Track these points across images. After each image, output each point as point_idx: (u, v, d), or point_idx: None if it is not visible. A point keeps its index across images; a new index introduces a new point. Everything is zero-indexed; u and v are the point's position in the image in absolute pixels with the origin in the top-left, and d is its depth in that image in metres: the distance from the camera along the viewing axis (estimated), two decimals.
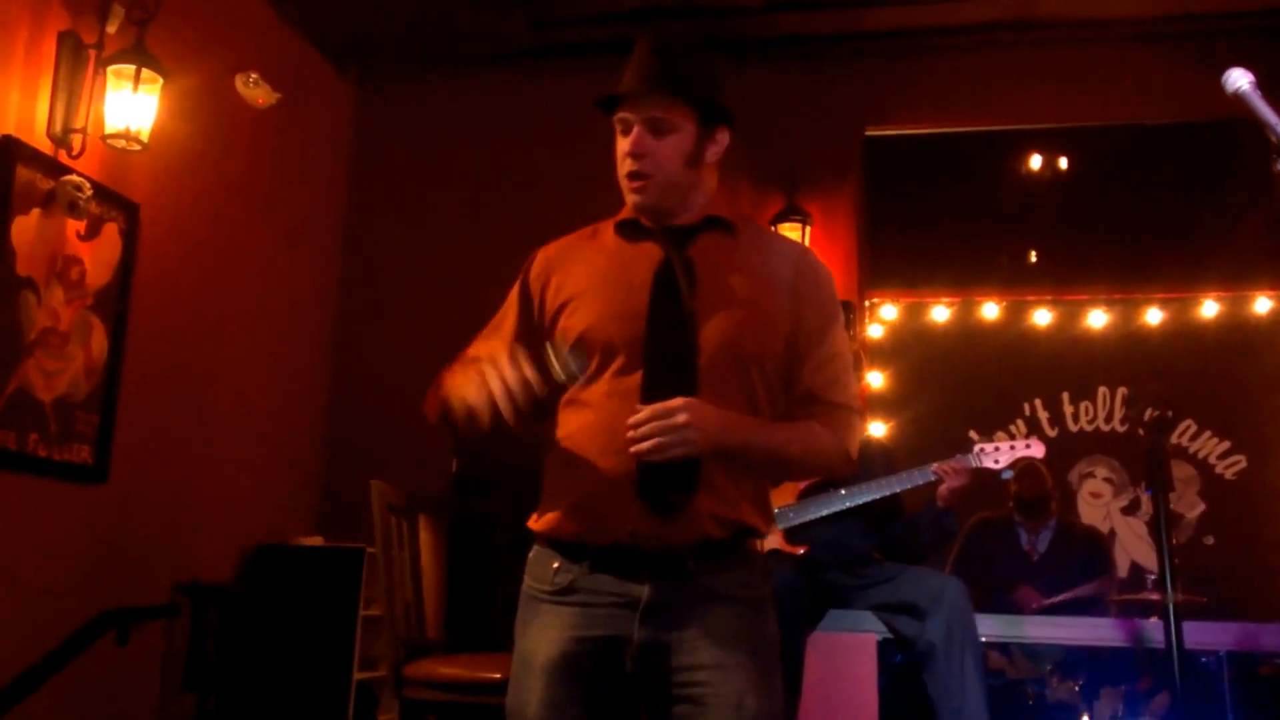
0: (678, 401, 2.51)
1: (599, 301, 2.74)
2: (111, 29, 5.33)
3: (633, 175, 2.74)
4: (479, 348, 2.84)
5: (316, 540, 6.57)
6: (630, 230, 2.84)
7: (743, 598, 2.65)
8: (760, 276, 2.77)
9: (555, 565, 2.67)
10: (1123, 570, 7.24)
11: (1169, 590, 4.58)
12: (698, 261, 2.74)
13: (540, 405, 2.69)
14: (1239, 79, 2.26)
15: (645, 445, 2.49)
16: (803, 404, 2.75)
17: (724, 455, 2.60)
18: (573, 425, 2.74)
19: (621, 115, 2.76)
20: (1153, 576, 6.14)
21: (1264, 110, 2.21)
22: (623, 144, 2.75)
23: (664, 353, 2.66)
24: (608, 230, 2.89)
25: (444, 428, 2.79)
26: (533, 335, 2.81)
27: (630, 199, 2.77)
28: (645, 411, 2.51)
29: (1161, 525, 4.68)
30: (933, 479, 5.20)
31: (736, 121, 2.82)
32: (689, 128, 2.74)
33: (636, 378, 2.64)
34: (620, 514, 2.60)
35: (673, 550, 2.59)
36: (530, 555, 2.77)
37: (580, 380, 2.67)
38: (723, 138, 2.80)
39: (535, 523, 2.75)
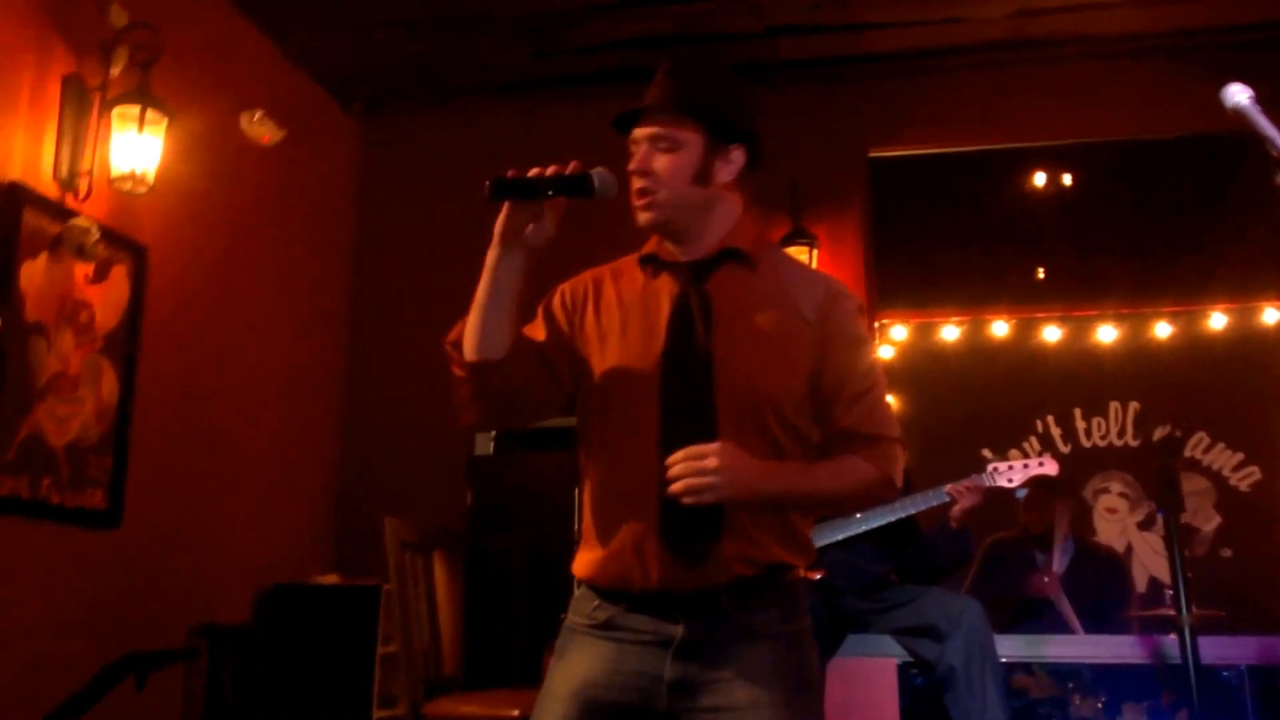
0: (712, 446, 2.48)
1: (617, 341, 2.74)
2: (115, 71, 5.33)
3: (638, 192, 2.73)
4: None
5: (333, 578, 6.55)
6: (650, 265, 2.82)
7: (780, 633, 2.63)
8: (781, 311, 2.72)
9: (595, 604, 2.68)
10: (1141, 585, 7.20)
11: (1184, 613, 4.57)
12: (715, 297, 2.72)
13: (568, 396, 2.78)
14: (1238, 94, 2.25)
15: (676, 488, 2.46)
16: (840, 440, 2.71)
17: (761, 503, 2.58)
18: (594, 467, 2.74)
19: (632, 137, 2.76)
20: (1171, 592, 6.13)
21: (1264, 125, 2.20)
22: (630, 164, 2.74)
23: (680, 395, 2.63)
24: (629, 266, 2.87)
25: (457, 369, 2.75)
26: (551, 344, 2.79)
27: (638, 217, 2.75)
28: (679, 454, 2.48)
29: (1174, 547, 4.67)
30: (947, 500, 5.19)
31: (760, 135, 2.81)
32: (696, 144, 2.72)
33: (654, 420, 2.62)
34: (646, 562, 2.59)
35: (704, 593, 2.57)
36: (576, 592, 2.76)
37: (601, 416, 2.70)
38: (737, 156, 2.77)
39: (575, 567, 2.75)
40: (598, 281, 2.87)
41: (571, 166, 2.60)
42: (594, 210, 2.65)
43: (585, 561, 2.71)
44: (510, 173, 2.59)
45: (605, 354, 2.74)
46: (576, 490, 2.87)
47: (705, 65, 2.83)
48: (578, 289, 2.87)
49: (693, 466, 2.46)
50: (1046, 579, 6.27)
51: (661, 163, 2.71)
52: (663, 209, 2.72)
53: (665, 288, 2.76)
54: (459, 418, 2.82)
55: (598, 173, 2.59)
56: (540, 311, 2.86)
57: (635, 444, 2.63)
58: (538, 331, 2.81)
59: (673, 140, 2.71)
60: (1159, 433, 5.17)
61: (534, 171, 2.59)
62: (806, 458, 2.70)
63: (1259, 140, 2.20)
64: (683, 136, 2.72)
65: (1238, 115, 2.25)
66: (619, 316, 2.77)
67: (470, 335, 2.68)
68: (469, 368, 2.69)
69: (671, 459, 2.49)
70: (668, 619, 2.59)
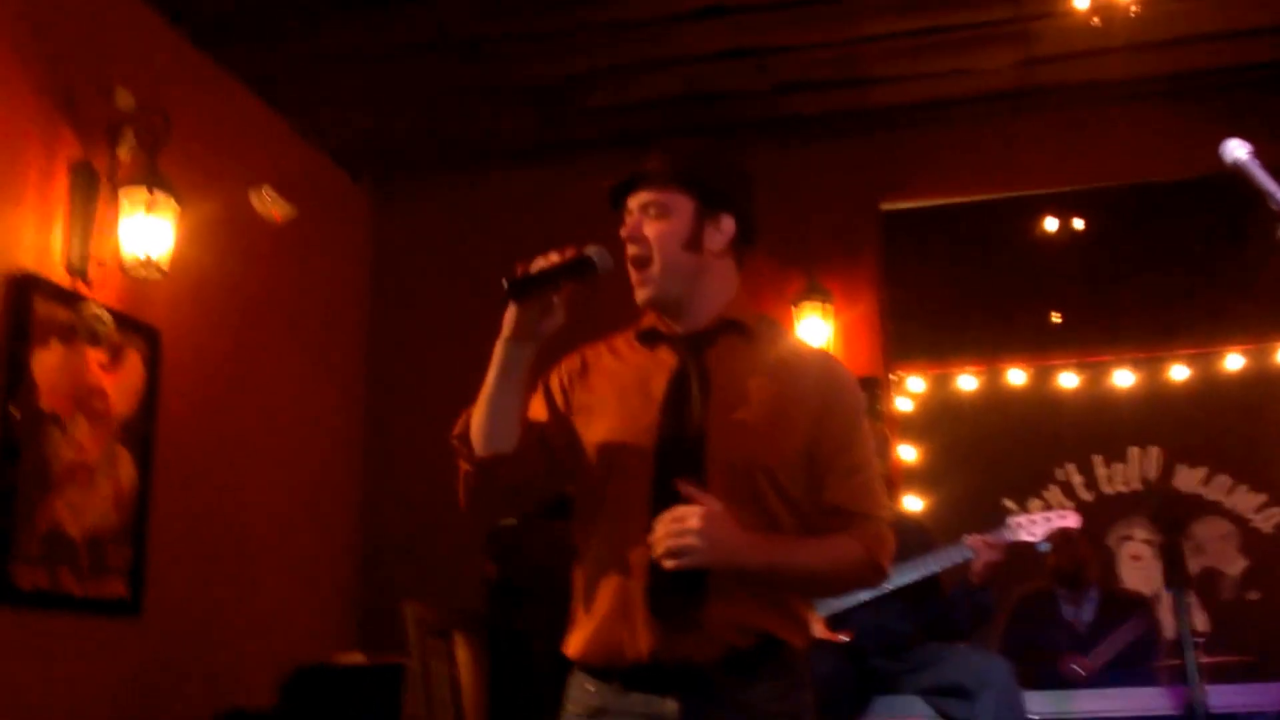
0: (694, 508, 2.48)
1: (614, 413, 2.74)
2: (123, 155, 5.32)
3: (632, 261, 2.75)
4: None
5: (357, 657, 6.50)
6: (648, 337, 2.83)
7: (778, 711, 2.60)
8: (778, 384, 2.73)
9: (590, 688, 2.65)
10: (1169, 631, 7.13)
11: (1197, 692, 4.57)
12: (713, 370, 2.72)
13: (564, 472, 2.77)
14: (1236, 149, 2.29)
15: (658, 550, 2.47)
16: (829, 516, 2.69)
17: (744, 575, 2.55)
18: (588, 542, 2.73)
19: (625, 206, 2.79)
20: (1199, 639, 6.08)
21: (1263, 179, 2.24)
22: (622, 230, 2.77)
23: (673, 467, 2.61)
24: (626, 340, 2.88)
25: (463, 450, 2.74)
26: (552, 425, 2.80)
27: (637, 293, 2.77)
28: (665, 515, 2.49)
29: (1184, 627, 4.67)
30: (970, 555, 5.16)
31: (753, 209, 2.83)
32: (685, 211, 2.74)
33: (646, 493, 2.61)
34: (636, 633, 2.57)
35: (697, 666, 2.55)
36: (570, 680, 2.74)
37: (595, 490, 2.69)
38: (728, 225, 2.78)
39: (567, 647, 2.73)
40: (595, 356, 2.89)
41: (569, 251, 2.61)
42: (599, 281, 2.66)
43: (576, 639, 2.70)
44: (519, 269, 2.60)
45: (600, 428, 2.74)
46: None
47: (695, 141, 2.91)
48: (574, 365, 2.88)
49: (673, 528, 2.47)
50: (1078, 666, 6.22)
51: (653, 229, 2.74)
52: (659, 283, 2.74)
53: (664, 360, 2.77)
54: (464, 509, 2.81)
55: (595, 251, 2.61)
56: (540, 388, 2.86)
57: (627, 516, 2.62)
58: (538, 411, 2.81)
59: (663, 206, 2.74)
60: (1164, 512, 5.18)
61: (538, 265, 2.60)
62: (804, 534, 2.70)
63: (1259, 195, 2.24)
64: (673, 203, 2.74)
65: (1237, 170, 2.29)
66: (615, 390, 2.78)
67: (480, 430, 2.68)
68: (480, 464, 2.69)
69: (658, 520, 2.49)
70: (662, 694, 2.56)
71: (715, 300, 2.80)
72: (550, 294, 2.62)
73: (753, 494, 2.63)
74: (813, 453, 2.69)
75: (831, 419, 2.73)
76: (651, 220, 2.74)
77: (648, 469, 2.64)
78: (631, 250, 2.74)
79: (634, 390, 2.75)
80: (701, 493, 2.52)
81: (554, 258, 2.60)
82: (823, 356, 2.98)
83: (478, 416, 2.69)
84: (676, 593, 2.54)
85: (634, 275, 2.76)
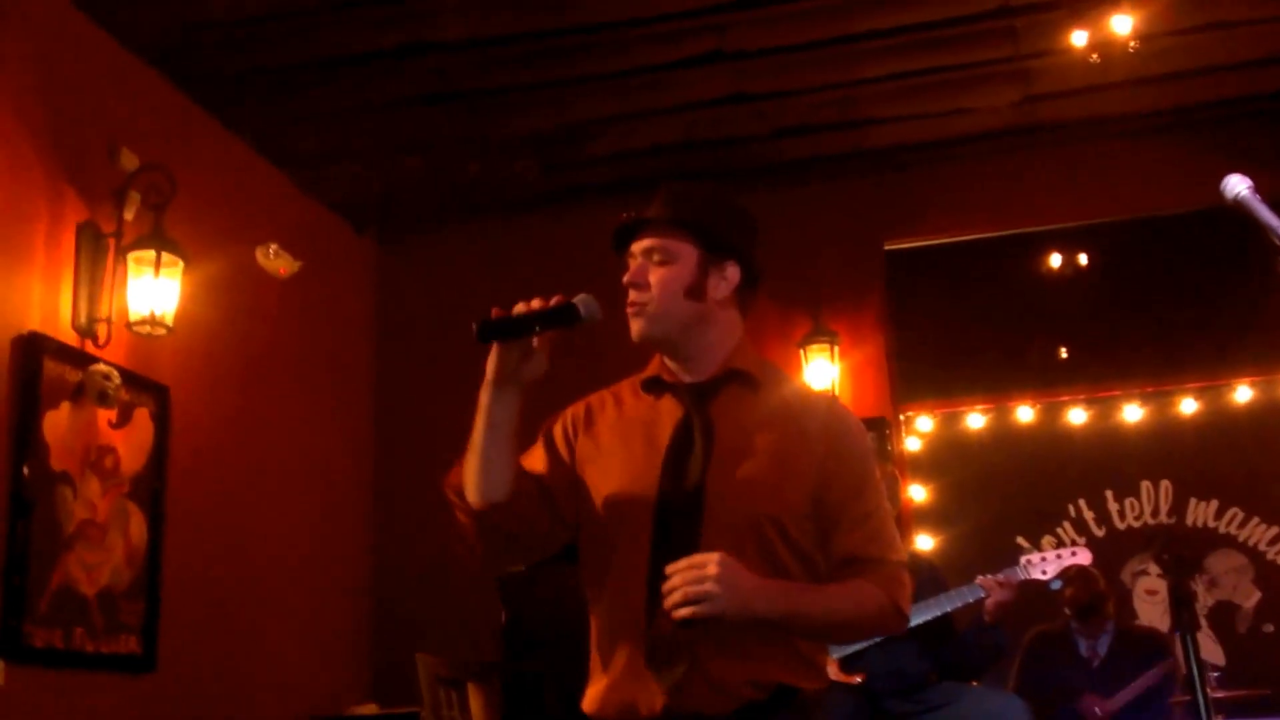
0: (712, 555, 2.46)
1: (618, 464, 2.72)
2: (129, 215, 5.37)
3: (632, 306, 2.73)
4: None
5: (370, 707, 6.50)
6: (653, 387, 2.82)
7: None
8: (784, 431, 2.71)
9: None
10: (1185, 665, 7.10)
11: None
12: (718, 420, 2.70)
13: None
14: (1237, 185, 2.29)
15: (675, 598, 2.44)
16: (845, 565, 2.68)
17: (762, 622, 2.53)
18: (595, 594, 2.72)
19: (628, 251, 2.77)
20: (1215, 674, 6.06)
21: (1265, 214, 2.24)
22: (625, 276, 2.75)
23: (672, 521, 2.61)
24: (630, 389, 2.87)
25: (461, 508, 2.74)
26: (554, 475, 2.78)
27: (631, 329, 2.74)
28: (681, 563, 2.46)
29: (1194, 671, 4.65)
30: (982, 595, 5.15)
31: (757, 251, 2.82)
32: (689, 258, 2.72)
33: (647, 545, 2.60)
34: (650, 689, 2.55)
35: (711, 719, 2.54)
36: None
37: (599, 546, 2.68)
38: (732, 273, 2.76)
39: (585, 702, 2.71)
40: (599, 405, 2.87)
41: (555, 299, 2.59)
42: (592, 334, 2.66)
43: (592, 695, 2.68)
44: (495, 312, 2.60)
45: (604, 479, 2.72)
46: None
47: (701, 186, 2.87)
48: (578, 414, 2.86)
49: (692, 575, 2.44)
50: (1097, 707, 6.21)
51: (656, 275, 2.71)
52: (652, 320, 2.71)
53: (668, 410, 2.76)
54: (466, 560, 2.81)
55: (582, 300, 2.59)
56: (540, 438, 2.84)
57: (630, 571, 2.61)
58: (537, 461, 2.79)
59: (667, 253, 2.72)
60: (1171, 555, 5.17)
61: (519, 308, 2.59)
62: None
63: (1261, 230, 2.24)
64: (677, 249, 2.72)
65: (1239, 206, 2.29)
66: (620, 440, 2.76)
67: (472, 479, 2.67)
68: (475, 514, 2.68)
69: (672, 567, 2.46)
70: None
71: (720, 348, 2.78)
72: (527, 339, 2.59)
73: (760, 546, 2.60)
74: (822, 499, 2.67)
75: (839, 465, 2.70)
76: (655, 266, 2.72)
77: (648, 522, 2.62)
78: (633, 295, 2.72)
79: (638, 441, 2.73)
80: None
81: (535, 304, 2.58)
82: (828, 401, 2.96)
83: (468, 466, 2.67)
84: (673, 654, 2.52)
85: (629, 314, 2.74)
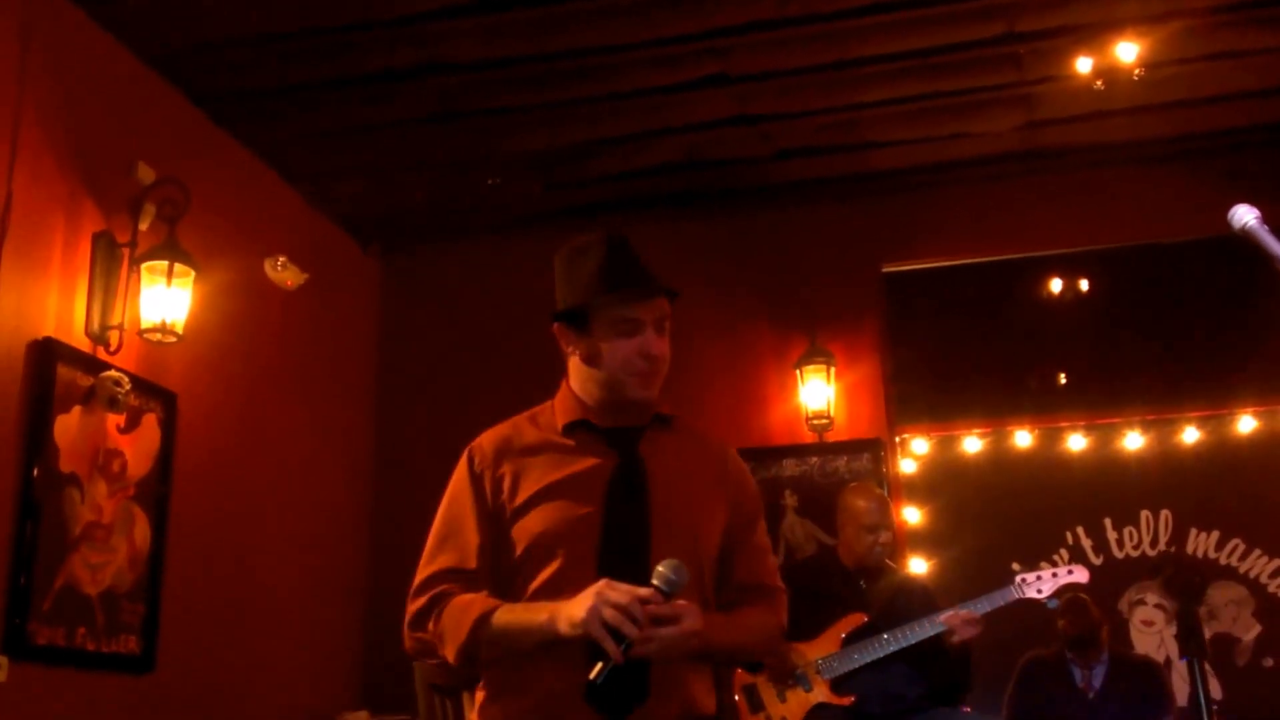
0: (681, 604, 2.54)
1: (555, 506, 2.76)
2: (144, 226, 5.46)
3: (653, 373, 2.81)
4: (448, 558, 2.87)
5: (362, 716, 6.54)
6: (581, 431, 2.87)
7: None
8: (699, 473, 2.87)
9: None
10: (1182, 698, 7.06)
11: None
12: (647, 462, 2.80)
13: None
14: (1245, 215, 2.33)
15: (651, 647, 2.49)
16: (741, 590, 2.85)
17: (701, 655, 2.66)
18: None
19: (636, 314, 2.80)
20: (1214, 707, 6.03)
21: (1272, 244, 2.27)
22: (632, 343, 2.79)
23: (618, 556, 2.68)
24: (554, 428, 2.90)
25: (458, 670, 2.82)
26: (491, 529, 2.82)
27: (637, 393, 2.82)
28: (662, 610, 2.51)
29: (1201, 697, 4.65)
30: (943, 629, 5.12)
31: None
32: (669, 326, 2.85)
33: (588, 582, 2.61)
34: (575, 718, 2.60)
35: None
36: None
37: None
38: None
39: (477, 713, 2.77)
40: (510, 453, 2.88)
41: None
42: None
43: (507, 713, 2.73)
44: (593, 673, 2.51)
45: (541, 516, 2.76)
46: None
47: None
48: (494, 470, 2.87)
49: (680, 632, 2.52)
50: None
51: (661, 346, 2.83)
52: (658, 386, 2.86)
53: (599, 453, 2.82)
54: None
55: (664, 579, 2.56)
56: (473, 511, 2.86)
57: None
58: (480, 534, 2.83)
59: (667, 320, 2.85)
60: (1178, 578, 5.16)
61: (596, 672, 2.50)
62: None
63: (1268, 260, 2.27)
64: (668, 319, 2.87)
65: (1246, 235, 2.33)
66: (553, 480, 2.79)
67: (474, 653, 2.71)
68: (451, 670, 2.82)
69: (652, 610, 2.49)
70: None
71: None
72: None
73: (695, 579, 2.69)
74: (728, 531, 2.85)
75: (743, 500, 2.91)
76: (662, 336, 2.83)
77: (591, 561, 2.68)
78: (656, 367, 2.81)
79: (573, 482, 2.79)
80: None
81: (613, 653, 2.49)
82: (722, 444, 3.05)
83: (484, 648, 2.69)
84: (622, 687, 2.57)
85: (643, 381, 2.81)
